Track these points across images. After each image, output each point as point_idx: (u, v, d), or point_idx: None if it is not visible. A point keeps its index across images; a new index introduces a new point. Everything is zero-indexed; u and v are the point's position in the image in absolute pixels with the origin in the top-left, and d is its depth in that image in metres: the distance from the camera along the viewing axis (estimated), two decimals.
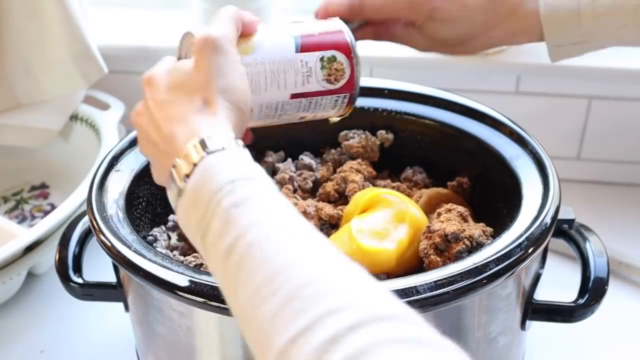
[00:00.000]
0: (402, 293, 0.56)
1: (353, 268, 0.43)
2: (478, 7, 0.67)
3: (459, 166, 0.77)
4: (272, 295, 0.41)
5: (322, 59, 0.63)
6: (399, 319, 0.39)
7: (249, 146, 0.53)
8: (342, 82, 0.64)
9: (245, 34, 0.61)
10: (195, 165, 0.49)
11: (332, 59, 0.63)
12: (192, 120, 0.52)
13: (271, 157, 0.80)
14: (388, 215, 0.68)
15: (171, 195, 0.53)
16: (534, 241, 0.61)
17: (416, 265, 0.66)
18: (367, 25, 0.73)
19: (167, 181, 0.53)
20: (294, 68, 0.62)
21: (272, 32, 0.63)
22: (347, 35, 0.64)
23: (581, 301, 0.66)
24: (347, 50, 0.64)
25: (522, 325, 0.67)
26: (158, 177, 0.56)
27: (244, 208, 0.46)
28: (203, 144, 0.50)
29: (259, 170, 0.50)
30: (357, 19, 0.72)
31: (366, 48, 1.00)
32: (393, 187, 0.75)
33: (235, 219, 0.46)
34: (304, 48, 0.63)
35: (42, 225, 0.83)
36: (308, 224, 0.47)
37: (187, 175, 0.50)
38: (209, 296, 0.57)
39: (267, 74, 0.61)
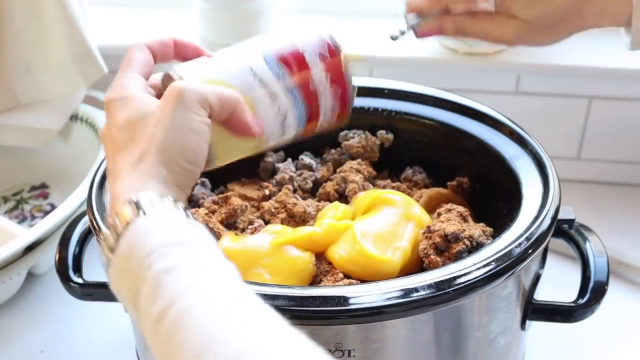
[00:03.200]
0: (403, 293, 0.56)
1: (290, 334, 0.41)
2: None
3: (459, 166, 0.77)
4: None
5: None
6: None
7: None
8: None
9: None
10: (124, 229, 0.47)
11: None
12: (126, 176, 0.50)
13: (271, 157, 0.80)
14: (392, 217, 0.68)
15: (102, 261, 0.49)
16: (534, 241, 0.61)
17: (417, 266, 0.66)
18: (448, 17, 0.67)
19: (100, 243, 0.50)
20: None
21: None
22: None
23: (581, 301, 0.66)
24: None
25: (522, 325, 0.67)
26: None
27: (176, 274, 0.44)
28: (133, 206, 0.47)
29: (194, 233, 0.47)
30: (435, 8, 0.67)
31: (366, 48, 1.01)
32: (393, 187, 0.75)
33: (165, 284, 0.43)
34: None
35: (42, 225, 0.82)
36: (245, 288, 0.44)
37: (116, 240, 0.47)
38: None
39: None
